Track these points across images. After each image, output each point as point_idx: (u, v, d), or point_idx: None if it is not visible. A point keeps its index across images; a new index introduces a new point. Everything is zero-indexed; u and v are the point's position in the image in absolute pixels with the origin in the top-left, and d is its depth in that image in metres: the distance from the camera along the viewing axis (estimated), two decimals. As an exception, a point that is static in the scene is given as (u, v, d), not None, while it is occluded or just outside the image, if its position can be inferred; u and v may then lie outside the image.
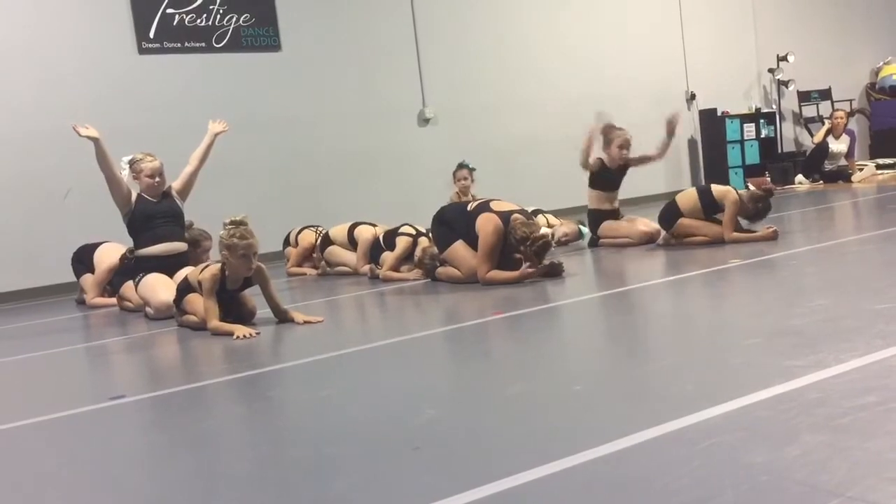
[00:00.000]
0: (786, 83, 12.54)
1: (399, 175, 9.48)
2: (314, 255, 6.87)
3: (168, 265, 5.50)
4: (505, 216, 5.15)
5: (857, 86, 13.69)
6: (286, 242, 7.26)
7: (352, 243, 6.45)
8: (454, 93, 9.90)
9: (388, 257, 6.02)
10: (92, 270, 6.37)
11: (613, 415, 2.38)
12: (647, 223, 6.48)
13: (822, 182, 10.84)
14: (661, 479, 1.84)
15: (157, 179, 5.57)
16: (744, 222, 5.91)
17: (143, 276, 5.44)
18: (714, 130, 11.78)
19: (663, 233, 6.20)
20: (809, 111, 12.81)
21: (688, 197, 6.10)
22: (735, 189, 6.05)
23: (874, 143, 13.02)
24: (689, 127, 11.94)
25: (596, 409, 2.48)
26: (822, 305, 3.48)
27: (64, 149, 6.99)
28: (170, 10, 8.31)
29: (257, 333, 4.28)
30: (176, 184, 5.73)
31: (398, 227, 6.16)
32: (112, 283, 6.22)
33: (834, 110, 11.79)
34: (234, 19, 8.64)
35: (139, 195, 5.58)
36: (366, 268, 6.20)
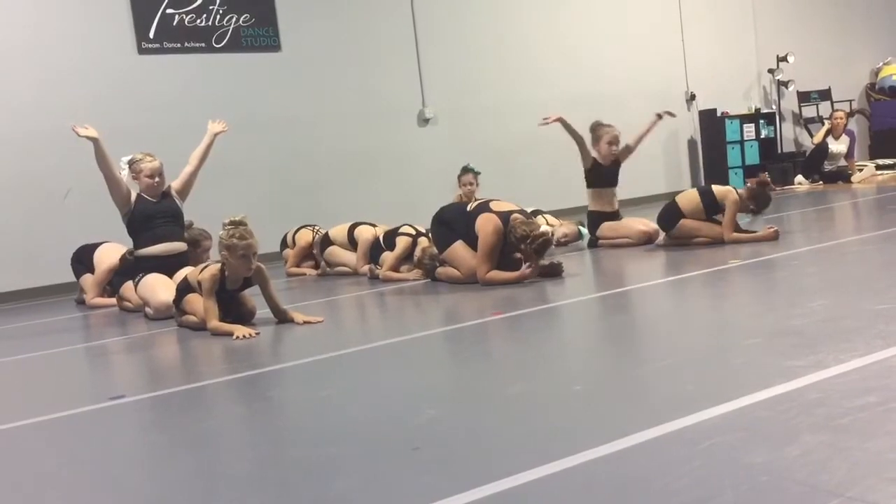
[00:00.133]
0: (786, 83, 12.54)
1: (399, 175, 9.48)
2: (314, 252, 6.86)
3: (168, 265, 5.50)
4: (504, 216, 5.16)
5: (857, 86, 13.69)
6: (283, 244, 7.26)
7: (352, 243, 6.45)
8: (454, 93, 9.90)
9: (388, 257, 6.02)
10: (92, 270, 6.36)
11: (613, 415, 2.38)
12: (646, 223, 6.49)
13: (821, 182, 10.84)
14: (661, 479, 1.84)
15: (157, 179, 5.57)
16: (745, 221, 5.91)
17: (142, 277, 5.44)
18: (714, 131, 11.77)
19: (662, 233, 6.20)
20: (809, 112, 12.80)
21: (689, 198, 6.09)
22: (735, 189, 6.06)
23: (874, 143, 13.02)
24: (689, 127, 11.95)
25: (596, 409, 2.48)
26: (822, 305, 3.48)
27: (64, 149, 6.98)
28: (170, 11, 8.30)
29: (257, 333, 4.28)
30: (175, 184, 5.73)
31: (398, 228, 6.16)
32: (112, 284, 6.21)
33: (834, 111, 11.78)
34: (233, 19, 8.64)
35: (139, 195, 5.58)
36: (365, 268, 6.20)
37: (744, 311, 3.81)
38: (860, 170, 10.83)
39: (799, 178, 11.09)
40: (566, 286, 4.94)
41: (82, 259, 6.50)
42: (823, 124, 11.65)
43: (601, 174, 6.69)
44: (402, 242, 5.98)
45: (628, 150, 6.81)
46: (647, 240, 6.35)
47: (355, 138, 9.24)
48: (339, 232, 6.61)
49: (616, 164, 6.75)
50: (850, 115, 11.97)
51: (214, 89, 8.40)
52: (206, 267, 4.69)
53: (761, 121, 12.07)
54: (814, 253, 5.24)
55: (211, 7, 8.52)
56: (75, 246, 6.64)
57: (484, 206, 5.29)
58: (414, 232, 6.08)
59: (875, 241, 5.50)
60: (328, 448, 2.33)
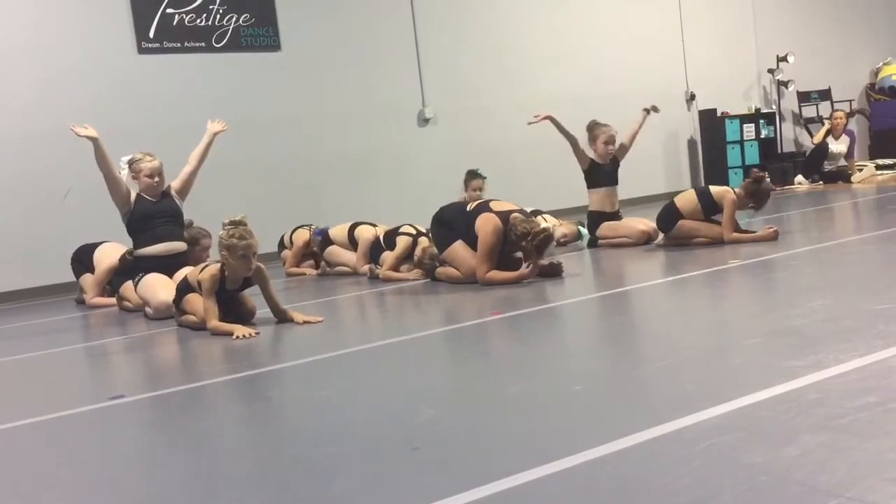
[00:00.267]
0: (785, 83, 12.54)
1: (399, 175, 9.48)
2: (314, 250, 6.85)
3: (167, 265, 5.50)
4: (504, 216, 5.16)
5: (857, 86, 13.68)
6: (280, 245, 7.25)
7: (352, 243, 6.45)
8: (454, 93, 9.90)
9: (388, 257, 6.02)
10: (91, 270, 6.36)
11: (613, 415, 2.38)
12: (645, 222, 6.50)
13: (821, 182, 10.84)
14: (661, 479, 1.84)
15: (157, 179, 5.57)
16: (745, 221, 5.91)
17: (142, 276, 5.44)
18: (714, 131, 11.77)
19: (661, 234, 6.20)
20: (809, 111, 12.80)
21: (687, 198, 6.10)
22: (733, 189, 6.05)
23: (874, 143, 13.01)
24: (689, 127, 11.95)
25: (595, 409, 2.48)
26: (822, 305, 3.48)
27: (64, 149, 6.98)
28: (169, 10, 8.30)
29: (257, 333, 4.28)
30: (175, 183, 5.73)
31: (398, 227, 6.16)
32: (111, 283, 6.21)
33: (833, 111, 11.78)
34: (233, 19, 8.64)
35: (138, 195, 5.58)
36: (365, 268, 6.20)
37: (743, 312, 3.81)
38: (860, 170, 10.83)
39: (799, 178, 11.10)
40: (566, 286, 4.94)
41: (82, 259, 6.50)
42: (823, 124, 11.65)
43: (601, 174, 6.71)
44: (402, 242, 5.98)
45: (624, 148, 6.87)
46: (646, 239, 6.36)
47: (355, 138, 9.24)
48: (339, 232, 6.60)
49: (614, 162, 6.78)
50: (850, 115, 11.97)
51: (214, 89, 8.40)
52: (205, 267, 4.69)
53: (761, 121, 12.06)
54: (813, 253, 5.24)
55: (211, 7, 8.52)
56: (75, 246, 6.64)
57: (484, 206, 5.29)
58: (414, 232, 6.08)
59: (875, 241, 5.50)
60: (328, 448, 2.33)
